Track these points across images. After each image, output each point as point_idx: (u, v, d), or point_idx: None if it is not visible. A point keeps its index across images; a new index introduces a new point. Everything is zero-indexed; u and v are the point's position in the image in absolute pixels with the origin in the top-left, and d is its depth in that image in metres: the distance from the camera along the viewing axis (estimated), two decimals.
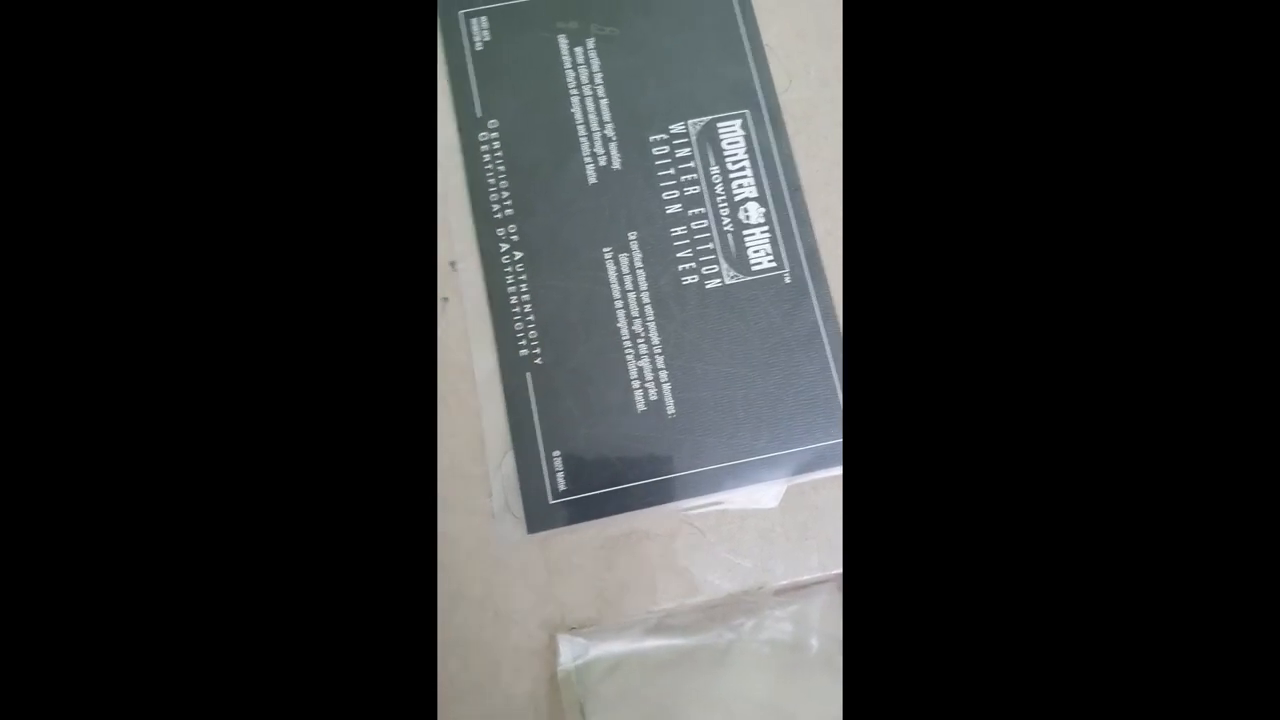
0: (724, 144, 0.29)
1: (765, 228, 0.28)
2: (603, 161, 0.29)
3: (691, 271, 0.28)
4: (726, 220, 0.28)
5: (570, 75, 0.29)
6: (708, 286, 0.28)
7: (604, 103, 0.29)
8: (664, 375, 0.27)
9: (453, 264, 0.28)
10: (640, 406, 0.27)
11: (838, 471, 0.27)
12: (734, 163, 0.29)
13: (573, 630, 0.26)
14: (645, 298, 0.28)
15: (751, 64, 0.30)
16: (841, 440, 0.27)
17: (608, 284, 0.28)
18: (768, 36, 0.30)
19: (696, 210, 0.28)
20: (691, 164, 0.29)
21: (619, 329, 0.27)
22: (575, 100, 0.29)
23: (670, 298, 0.28)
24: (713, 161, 0.29)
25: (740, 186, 0.29)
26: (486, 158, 0.28)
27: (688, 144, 0.29)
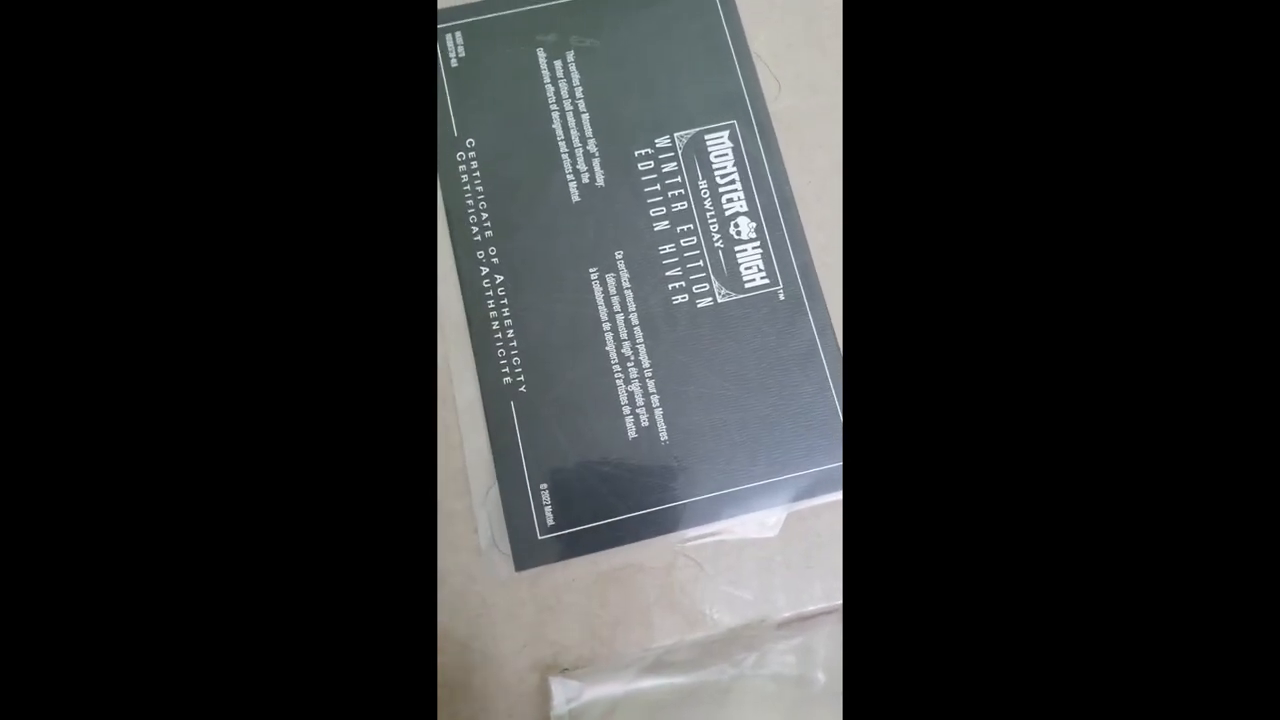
0: (712, 156, 0.28)
1: (757, 243, 0.27)
2: (586, 179, 0.28)
3: (682, 290, 0.27)
4: (717, 236, 0.27)
5: (550, 90, 0.28)
6: (699, 305, 0.27)
7: (585, 117, 0.28)
8: (655, 400, 0.26)
9: None
10: (631, 433, 0.26)
11: (839, 496, 0.26)
12: (723, 176, 0.28)
13: (565, 671, 0.24)
14: (634, 319, 0.27)
15: (739, 73, 0.29)
16: (842, 463, 0.26)
17: (594, 306, 0.27)
18: (755, 44, 0.29)
19: (685, 226, 0.27)
20: (678, 178, 0.28)
21: (607, 352, 0.26)
22: (556, 115, 0.28)
23: (660, 318, 0.27)
24: (701, 175, 0.28)
25: (730, 201, 0.28)
26: (464, 178, 0.27)
27: (674, 158, 0.28)
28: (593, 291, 0.27)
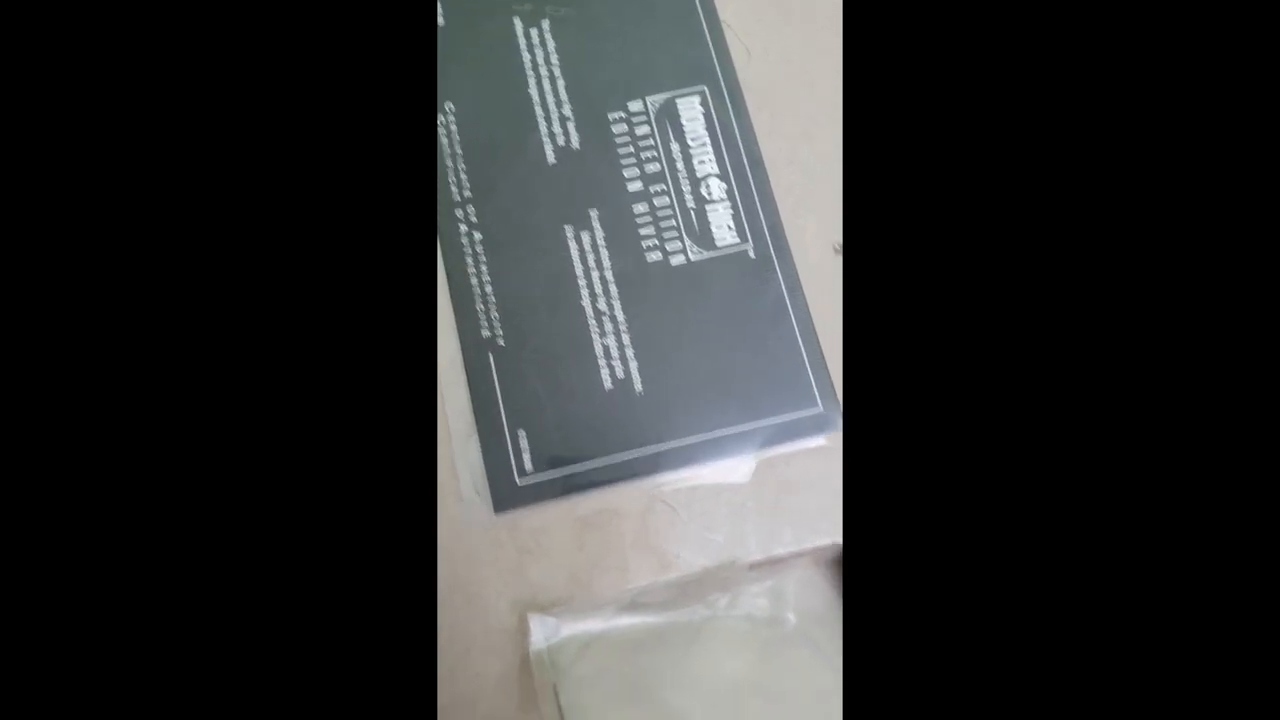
0: (684, 120, 0.29)
1: (728, 203, 0.28)
2: (561, 141, 0.28)
3: (655, 248, 0.28)
4: (689, 196, 0.28)
5: (526, 56, 0.29)
6: (672, 263, 0.28)
7: (561, 83, 0.29)
8: (630, 352, 0.27)
9: None
10: (607, 384, 0.27)
11: (808, 444, 0.27)
12: (694, 139, 0.29)
13: (544, 610, 0.25)
14: (609, 275, 0.27)
15: (709, 41, 0.30)
16: (814, 412, 0.27)
17: (570, 263, 0.27)
18: (725, 14, 0.30)
19: (658, 187, 0.28)
20: (651, 141, 0.29)
21: (583, 307, 0.27)
22: (532, 81, 0.29)
23: (634, 275, 0.28)
24: (673, 138, 0.29)
25: (701, 162, 0.29)
26: (444, 140, 0.28)
27: (646, 121, 0.29)
28: (569, 249, 0.28)
